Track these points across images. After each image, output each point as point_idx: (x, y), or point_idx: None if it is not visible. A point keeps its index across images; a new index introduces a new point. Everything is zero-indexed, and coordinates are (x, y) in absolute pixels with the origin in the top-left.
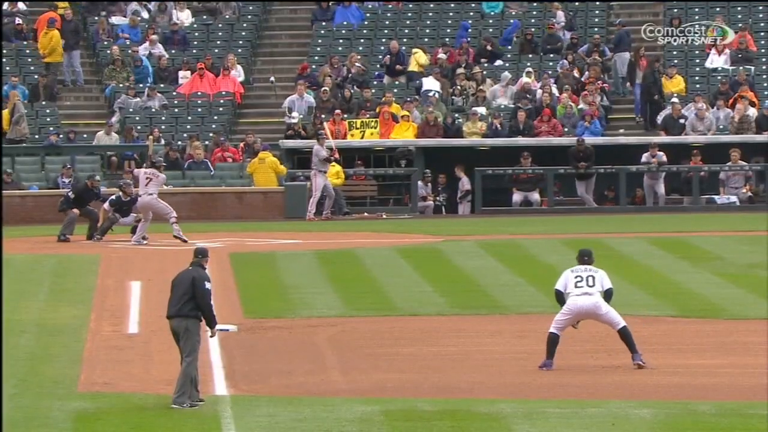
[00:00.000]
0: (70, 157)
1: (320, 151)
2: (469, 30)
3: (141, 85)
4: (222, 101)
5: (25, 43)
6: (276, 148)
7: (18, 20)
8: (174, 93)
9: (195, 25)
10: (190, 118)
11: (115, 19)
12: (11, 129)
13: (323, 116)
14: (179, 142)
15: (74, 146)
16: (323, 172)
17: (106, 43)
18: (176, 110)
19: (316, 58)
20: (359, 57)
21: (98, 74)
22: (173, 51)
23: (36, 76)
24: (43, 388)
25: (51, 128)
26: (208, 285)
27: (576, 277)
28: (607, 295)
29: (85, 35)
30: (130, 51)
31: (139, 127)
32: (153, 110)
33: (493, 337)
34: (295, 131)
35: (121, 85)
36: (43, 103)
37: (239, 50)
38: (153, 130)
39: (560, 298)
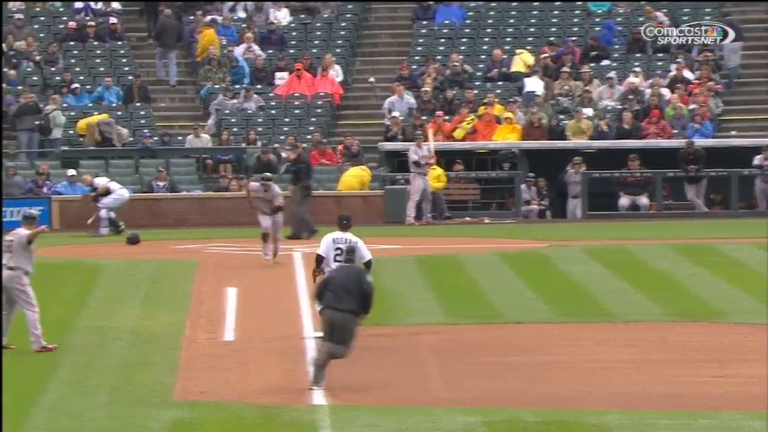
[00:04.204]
0: (164, 160)
1: (411, 154)
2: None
3: (237, 86)
4: (320, 102)
5: (119, 43)
6: (375, 151)
7: (112, 20)
8: (271, 94)
9: (293, 25)
10: (287, 119)
11: (210, 19)
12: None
13: (423, 118)
14: (276, 144)
15: (169, 149)
16: (422, 175)
17: None
18: (273, 112)
19: (417, 58)
20: (460, 57)
21: (193, 75)
22: (270, 51)
23: (130, 77)
24: (137, 397)
25: (145, 130)
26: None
27: (336, 249)
28: (367, 266)
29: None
30: (226, 51)
31: (235, 129)
32: (249, 112)
33: (599, 345)
34: (394, 133)
35: (217, 86)
36: (138, 104)
37: (338, 50)
38: (249, 133)
39: (321, 263)
